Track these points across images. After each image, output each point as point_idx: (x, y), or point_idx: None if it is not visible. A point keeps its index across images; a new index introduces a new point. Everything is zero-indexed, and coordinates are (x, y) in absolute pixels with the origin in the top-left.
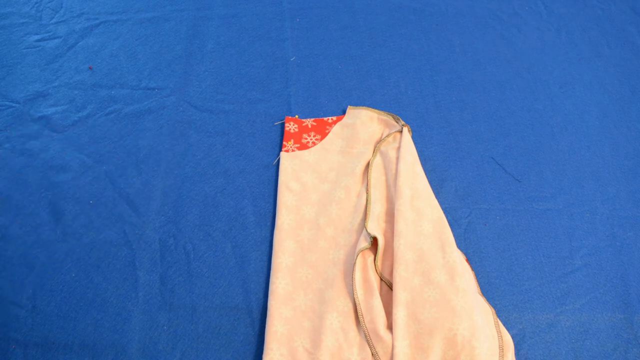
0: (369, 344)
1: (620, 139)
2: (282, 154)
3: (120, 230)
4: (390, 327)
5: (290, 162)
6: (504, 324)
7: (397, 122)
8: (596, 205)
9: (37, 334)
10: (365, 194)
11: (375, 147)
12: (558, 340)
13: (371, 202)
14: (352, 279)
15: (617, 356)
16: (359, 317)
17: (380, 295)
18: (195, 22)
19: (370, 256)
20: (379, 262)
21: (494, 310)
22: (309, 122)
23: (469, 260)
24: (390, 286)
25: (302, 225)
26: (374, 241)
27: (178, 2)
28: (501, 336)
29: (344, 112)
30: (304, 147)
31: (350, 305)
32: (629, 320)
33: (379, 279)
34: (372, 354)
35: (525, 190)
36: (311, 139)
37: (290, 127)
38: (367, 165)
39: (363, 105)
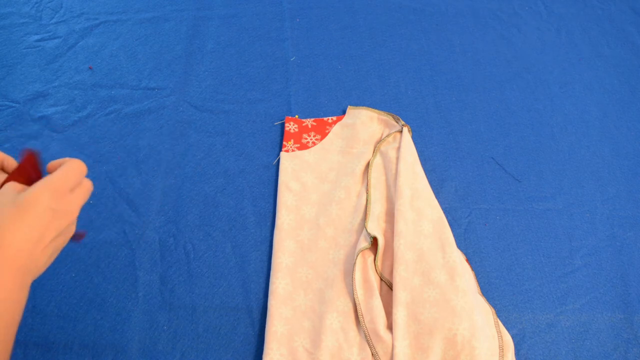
0: (369, 344)
1: (620, 139)
2: (282, 154)
3: (120, 230)
4: (390, 327)
5: (290, 162)
6: (504, 324)
7: (397, 122)
8: (596, 205)
9: (37, 334)
10: (365, 194)
11: (375, 147)
12: (558, 340)
13: (371, 202)
14: (352, 279)
15: (617, 356)
16: (359, 317)
17: (380, 295)
18: (195, 22)
19: (370, 256)
20: (379, 262)
21: (494, 310)
22: (309, 122)
23: (469, 260)
24: (390, 286)
25: (302, 226)
26: (374, 241)
27: (178, 2)
28: (501, 336)
29: (344, 112)
30: (304, 147)
31: (350, 305)
32: (629, 320)
33: (379, 279)
34: (372, 354)
35: (525, 190)
36: (311, 139)
37: (290, 127)
38: (367, 165)
39: (363, 105)
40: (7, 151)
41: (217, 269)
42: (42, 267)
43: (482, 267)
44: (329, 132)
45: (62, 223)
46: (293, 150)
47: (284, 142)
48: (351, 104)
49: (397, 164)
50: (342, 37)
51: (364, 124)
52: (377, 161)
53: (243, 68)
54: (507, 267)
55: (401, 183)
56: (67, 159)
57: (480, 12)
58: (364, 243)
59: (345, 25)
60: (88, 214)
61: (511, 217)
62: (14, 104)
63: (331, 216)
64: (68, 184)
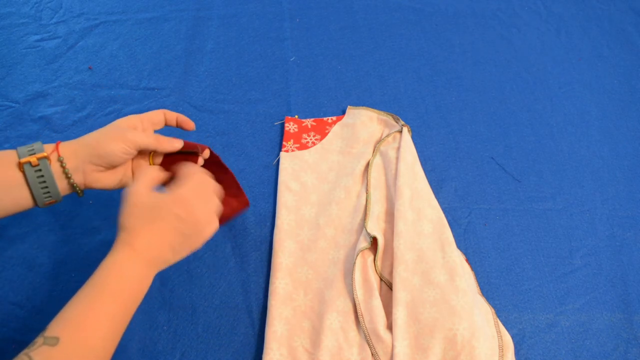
0: (368, 344)
1: (620, 139)
2: (282, 154)
3: None
4: (390, 327)
5: (290, 162)
6: (503, 324)
7: (397, 122)
8: (596, 205)
9: (37, 334)
10: (365, 194)
11: (375, 147)
12: (558, 340)
13: (371, 202)
14: (352, 279)
15: (617, 356)
16: (359, 317)
17: (380, 295)
18: (195, 22)
19: (370, 256)
20: (378, 262)
21: (493, 310)
22: (308, 122)
23: (468, 260)
24: (390, 286)
25: (302, 226)
26: (374, 241)
27: (178, 2)
28: (501, 336)
29: (344, 112)
30: (303, 147)
31: (350, 305)
32: (629, 320)
33: (378, 279)
34: (372, 354)
35: (525, 190)
36: (311, 139)
37: (290, 127)
38: (367, 165)
39: (363, 105)
40: None
41: (217, 269)
42: (171, 261)
43: (482, 267)
44: (328, 132)
45: (186, 227)
46: (293, 150)
47: (284, 142)
48: (351, 104)
49: (397, 164)
50: (341, 37)
51: (363, 124)
52: (377, 161)
53: (243, 68)
54: (507, 267)
55: (401, 183)
56: (190, 166)
57: (480, 12)
58: (364, 243)
59: (345, 25)
60: (88, 213)
61: (511, 217)
62: (13, 104)
63: (331, 216)
64: (193, 194)
